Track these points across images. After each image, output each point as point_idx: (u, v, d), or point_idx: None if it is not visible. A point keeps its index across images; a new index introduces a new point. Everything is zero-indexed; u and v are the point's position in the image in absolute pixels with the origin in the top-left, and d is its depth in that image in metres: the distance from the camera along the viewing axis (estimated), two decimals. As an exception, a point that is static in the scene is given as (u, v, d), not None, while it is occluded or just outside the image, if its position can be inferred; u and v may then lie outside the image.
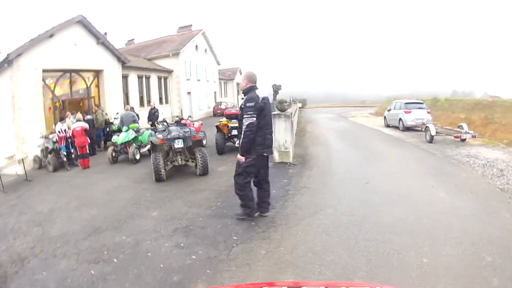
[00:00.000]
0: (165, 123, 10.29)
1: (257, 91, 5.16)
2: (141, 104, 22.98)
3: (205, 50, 34.59)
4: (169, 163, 8.98)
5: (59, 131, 12.29)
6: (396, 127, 18.35)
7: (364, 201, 6.47)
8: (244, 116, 5.05)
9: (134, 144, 12.12)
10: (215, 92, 38.32)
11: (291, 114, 10.36)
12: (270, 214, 5.90)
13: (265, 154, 5.32)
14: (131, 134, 12.16)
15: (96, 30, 17.47)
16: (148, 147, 11.99)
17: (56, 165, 12.28)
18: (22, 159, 11.74)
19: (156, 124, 14.18)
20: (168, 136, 8.60)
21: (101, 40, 17.91)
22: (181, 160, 9.00)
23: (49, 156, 12.51)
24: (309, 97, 52.69)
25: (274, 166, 9.21)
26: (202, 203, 6.97)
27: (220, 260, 4.58)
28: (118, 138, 12.08)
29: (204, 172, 8.54)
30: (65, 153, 12.38)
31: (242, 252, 4.74)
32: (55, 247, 5.74)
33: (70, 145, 12.53)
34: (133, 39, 37.33)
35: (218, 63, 38.73)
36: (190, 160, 8.92)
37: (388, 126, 19.76)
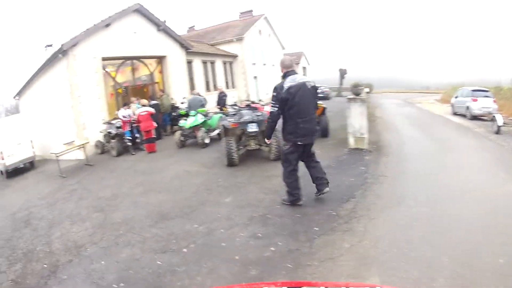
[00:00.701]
0: (236, 107, 9.98)
1: (288, 78, 5.00)
2: (207, 89, 22.66)
3: (269, 34, 33.51)
4: (241, 147, 8.62)
5: (123, 116, 12.06)
6: (463, 115, 17.14)
7: (441, 193, 5.86)
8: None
9: (202, 128, 11.51)
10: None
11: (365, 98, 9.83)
12: (350, 204, 5.41)
13: (299, 143, 5.12)
14: (200, 118, 11.55)
15: (155, 17, 17.10)
16: (217, 131, 11.83)
17: (120, 149, 12.04)
18: (83, 145, 11.61)
19: (224, 109, 14.38)
20: (241, 120, 8.26)
21: (161, 27, 17.48)
22: (255, 144, 8.58)
23: (112, 141, 12.35)
24: (373, 82, 49.70)
25: (350, 152, 8.77)
26: (278, 189, 6.20)
27: (302, 253, 4.12)
28: (186, 122, 11.55)
29: (278, 157, 7.72)
30: (129, 138, 12.10)
31: (325, 244, 4.27)
32: (117, 234, 5.34)
33: (134, 130, 12.28)
34: (194, 26, 36.58)
35: (283, 47, 37.26)
36: (263, 144, 8.34)
37: (455, 113, 18.35)
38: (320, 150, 7.62)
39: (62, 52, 12.94)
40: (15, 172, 13.52)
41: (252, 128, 8.18)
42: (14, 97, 22.05)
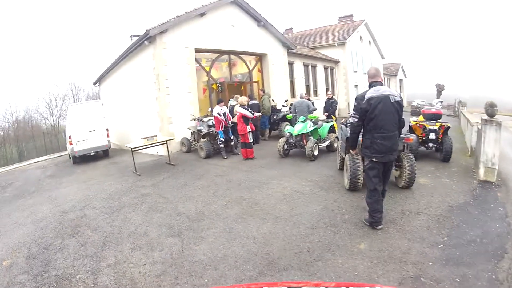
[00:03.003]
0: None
1: (371, 90, 4.65)
2: (307, 93, 20.45)
3: (369, 42, 31.26)
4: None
5: (218, 114, 10.20)
6: None
7: None
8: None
9: (312, 138, 9.73)
10: (380, 87, 33.81)
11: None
12: (506, 263, 3.85)
13: (374, 160, 4.65)
14: (309, 126, 9.80)
15: (255, 11, 15.59)
16: (327, 142, 10.31)
17: (210, 151, 10.55)
18: (166, 141, 9.94)
19: (333, 117, 13.05)
20: None
21: (262, 23, 15.93)
22: None
23: (202, 140, 10.92)
24: (467, 101, 44.96)
25: (481, 185, 6.67)
26: (422, 234, 4.53)
27: None
28: (294, 129, 9.83)
29: (409, 184, 6.55)
30: (223, 139, 10.42)
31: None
32: (198, 285, 3.61)
33: (229, 130, 10.65)
34: (291, 28, 34.92)
35: (382, 57, 34.91)
36: (394, 168, 6.71)
37: None
38: (449, 179, 6.76)
39: (149, 38, 11.74)
40: (84, 158, 13.30)
41: None
42: (94, 84, 21.84)
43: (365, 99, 4.59)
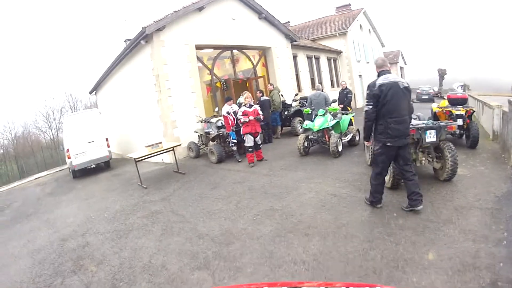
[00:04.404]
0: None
1: (381, 77, 4.82)
2: (312, 86, 19.86)
3: (369, 30, 30.79)
4: None
5: (227, 113, 9.56)
6: None
7: None
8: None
9: (334, 133, 9.05)
10: (383, 75, 33.45)
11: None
12: None
13: (388, 144, 4.76)
14: (330, 120, 9.12)
15: (256, 3, 14.84)
16: (349, 136, 9.62)
17: (222, 155, 9.65)
18: (173, 148, 9.02)
19: (349, 108, 12.61)
20: (418, 126, 6.13)
21: (263, 15, 15.19)
22: (425, 159, 6.46)
23: (211, 144, 10.09)
24: (472, 82, 44.74)
25: None
26: (483, 231, 3.98)
27: None
28: (314, 124, 9.04)
29: (451, 176, 6.12)
30: (235, 141, 9.63)
31: None
32: None
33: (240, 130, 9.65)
34: (289, 22, 33.19)
35: (383, 45, 34.41)
36: (435, 159, 6.34)
37: None
38: (484, 167, 6.42)
39: (145, 37, 10.92)
40: (85, 172, 12.52)
41: (430, 137, 6.10)
42: (90, 93, 21.02)
43: (376, 86, 4.76)
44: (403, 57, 47.26)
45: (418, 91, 31.79)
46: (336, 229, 4.28)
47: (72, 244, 5.16)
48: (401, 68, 45.57)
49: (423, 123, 6.36)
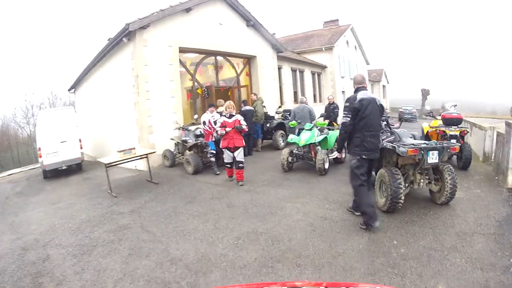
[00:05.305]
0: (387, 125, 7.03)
1: (360, 92, 5.04)
2: (295, 100, 19.84)
3: (355, 47, 30.97)
4: (406, 185, 6.19)
5: (208, 121, 9.13)
6: None
7: None
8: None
9: (320, 149, 8.78)
10: (365, 93, 33.85)
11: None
12: None
13: (364, 157, 4.95)
14: (318, 135, 8.83)
15: (245, 10, 14.53)
16: (335, 153, 8.90)
17: (199, 166, 9.22)
18: (147, 155, 8.61)
19: (335, 124, 12.23)
20: (420, 145, 5.89)
21: (251, 23, 14.94)
22: (423, 180, 6.21)
23: (188, 153, 9.73)
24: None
25: (511, 194, 6.34)
26: (490, 259, 3.90)
27: None
28: (300, 138, 8.81)
29: (450, 199, 5.98)
30: (214, 152, 9.12)
31: None
32: None
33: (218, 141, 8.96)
34: (274, 33, 34.18)
35: (367, 62, 34.74)
36: (433, 181, 6.19)
37: None
38: (480, 190, 6.42)
39: (128, 34, 10.39)
40: (56, 172, 11.99)
41: (433, 158, 5.76)
42: (69, 90, 20.25)
43: (357, 100, 4.93)
44: (386, 76, 47.63)
45: (400, 110, 31.75)
46: (332, 259, 3.96)
47: (33, 256, 4.67)
48: (384, 86, 45.84)
49: (425, 143, 6.13)
